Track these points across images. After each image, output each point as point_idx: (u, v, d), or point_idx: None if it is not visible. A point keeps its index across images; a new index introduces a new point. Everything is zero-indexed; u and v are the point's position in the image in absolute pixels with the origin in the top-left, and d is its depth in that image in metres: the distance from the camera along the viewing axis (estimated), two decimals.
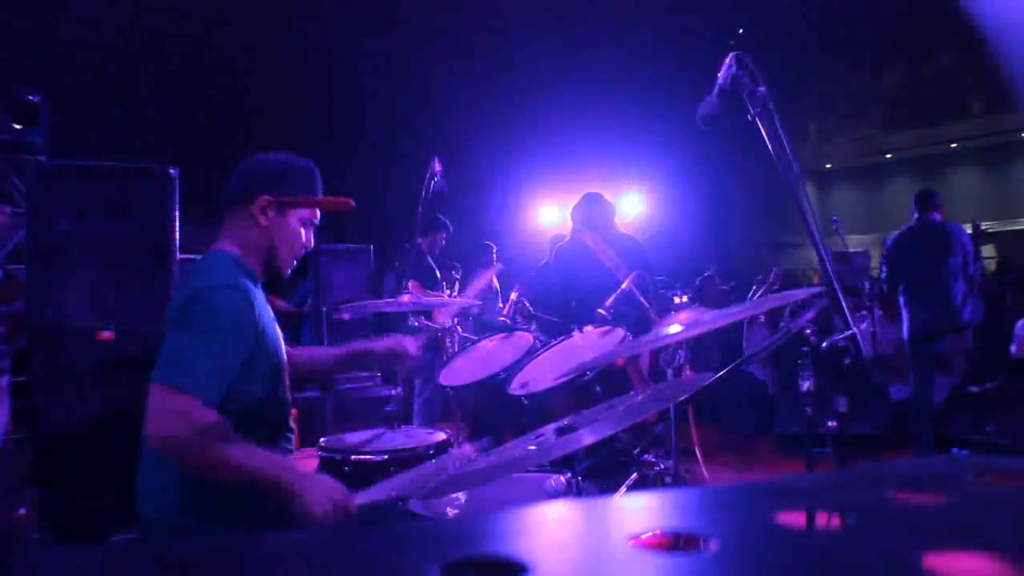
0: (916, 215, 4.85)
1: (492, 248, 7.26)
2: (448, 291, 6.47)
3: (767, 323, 6.60)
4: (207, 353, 1.60)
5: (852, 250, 5.33)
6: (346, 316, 5.97)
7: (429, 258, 5.22)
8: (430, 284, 4.94)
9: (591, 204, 4.26)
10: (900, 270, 4.86)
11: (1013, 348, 5.77)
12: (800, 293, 1.78)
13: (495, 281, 7.07)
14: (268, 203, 1.80)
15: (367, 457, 2.31)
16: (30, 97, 4.27)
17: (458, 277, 6.83)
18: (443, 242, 5.41)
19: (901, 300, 4.89)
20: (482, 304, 6.78)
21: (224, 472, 1.57)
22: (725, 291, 7.42)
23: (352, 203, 1.89)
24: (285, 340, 1.95)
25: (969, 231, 5.31)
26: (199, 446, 1.54)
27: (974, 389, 5.26)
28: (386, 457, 2.31)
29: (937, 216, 4.80)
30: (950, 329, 4.70)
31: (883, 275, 5.07)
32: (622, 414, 1.38)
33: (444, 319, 4.67)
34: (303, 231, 1.87)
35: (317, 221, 1.91)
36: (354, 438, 2.64)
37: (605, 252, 3.90)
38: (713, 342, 6.86)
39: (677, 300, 3.14)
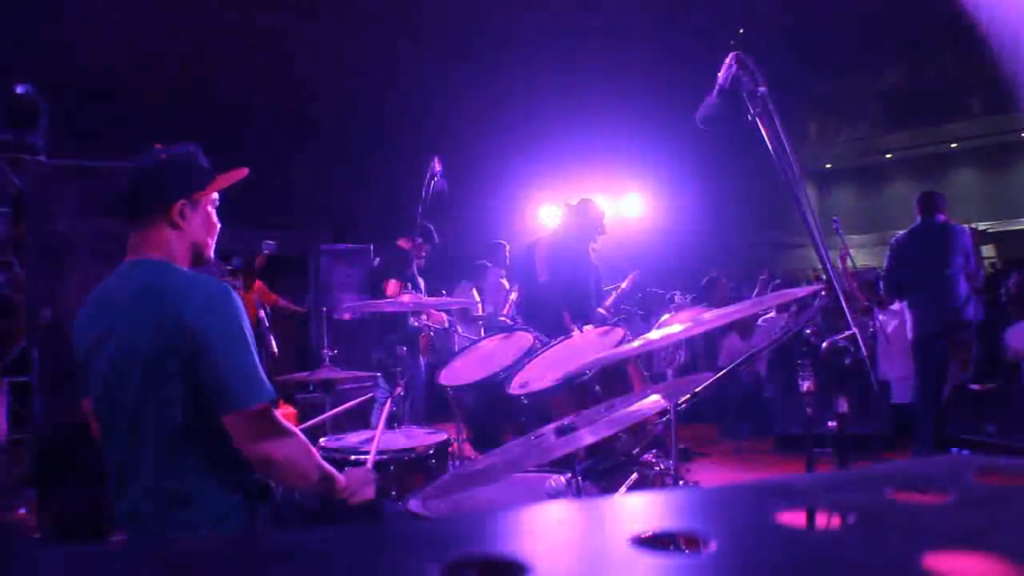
0: (919, 217, 4.85)
1: (504, 247, 7.13)
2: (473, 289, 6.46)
3: (737, 330, 6.49)
4: (255, 356, 1.68)
5: (860, 267, 5.32)
6: (347, 316, 5.97)
7: (414, 265, 5.00)
8: (414, 290, 4.78)
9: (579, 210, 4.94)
10: (904, 271, 4.87)
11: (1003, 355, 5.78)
12: (800, 291, 1.79)
13: (505, 281, 6.96)
14: (184, 205, 1.78)
15: (367, 457, 2.31)
16: (30, 97, 4.27)
17: (503, 278, 6.81)
18: (424, 254, 5.05)
19: (905, 301, 4.90)
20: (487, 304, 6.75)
21: (293, 472, 1.69)
22: (731, 291, 7.37)
23: (247, 169, 1.88)
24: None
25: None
26: (285, 456, 1.66)
27: (974, 389, 5.26)
28: (386, 457, 2.31)
29: (940, 218, 4.81)
30: (953, 328, 4.71)
31: (883, 276, 5.08)
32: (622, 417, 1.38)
33: (439, 320, 4.64)
34: (213, 213, 1.88)
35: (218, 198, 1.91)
36: (354, 438, 2.64)
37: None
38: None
39: (677, 299, 3.15)
